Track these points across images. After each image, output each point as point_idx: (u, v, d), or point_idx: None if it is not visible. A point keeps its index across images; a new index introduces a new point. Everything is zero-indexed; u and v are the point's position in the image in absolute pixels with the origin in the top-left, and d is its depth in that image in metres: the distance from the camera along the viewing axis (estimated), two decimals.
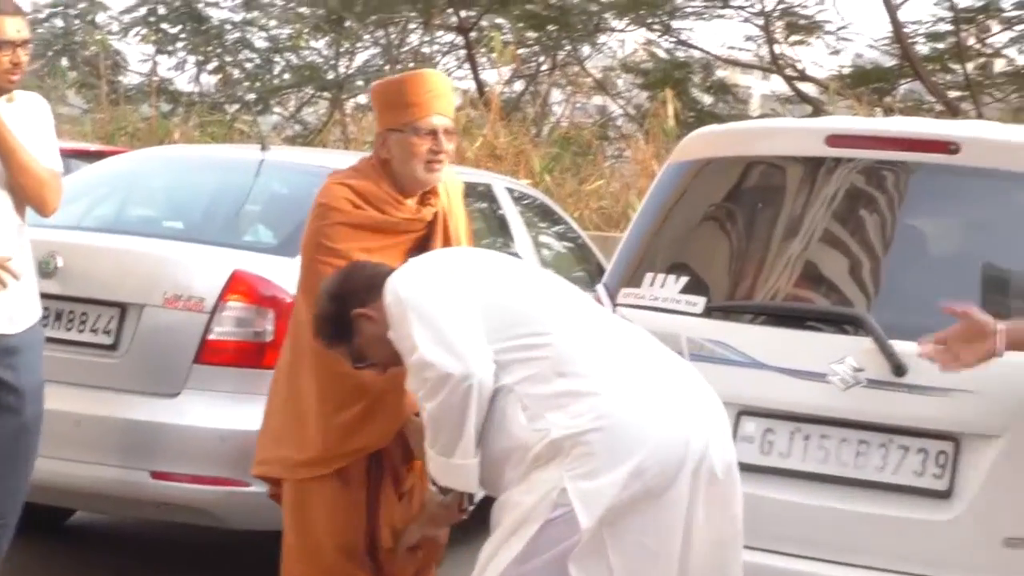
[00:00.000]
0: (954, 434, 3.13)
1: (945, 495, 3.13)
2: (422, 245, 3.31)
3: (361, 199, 3.24)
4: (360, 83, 14.50)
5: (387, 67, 13.96)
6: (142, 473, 3.88)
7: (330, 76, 14.99)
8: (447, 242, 3.37)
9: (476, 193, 5.20)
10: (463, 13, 12.96)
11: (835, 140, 3.54)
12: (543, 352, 2.59)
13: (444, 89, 3.47)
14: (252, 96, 15.45)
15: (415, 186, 3.28)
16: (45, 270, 3.83)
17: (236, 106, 15.15)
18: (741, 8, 9.91)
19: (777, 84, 11.36)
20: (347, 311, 2.81)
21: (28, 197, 3.44)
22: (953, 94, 10.74)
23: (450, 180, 3.46)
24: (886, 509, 3.17)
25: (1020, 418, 3.08)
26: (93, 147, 7.13)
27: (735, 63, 11.32)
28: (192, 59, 14.67)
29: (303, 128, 15.45)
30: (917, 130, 3.80)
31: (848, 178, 3.56)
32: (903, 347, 3.12)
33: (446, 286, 2.69)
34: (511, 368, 2.57)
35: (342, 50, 15.13)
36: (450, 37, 13.98)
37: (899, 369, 3.13)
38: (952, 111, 10.01)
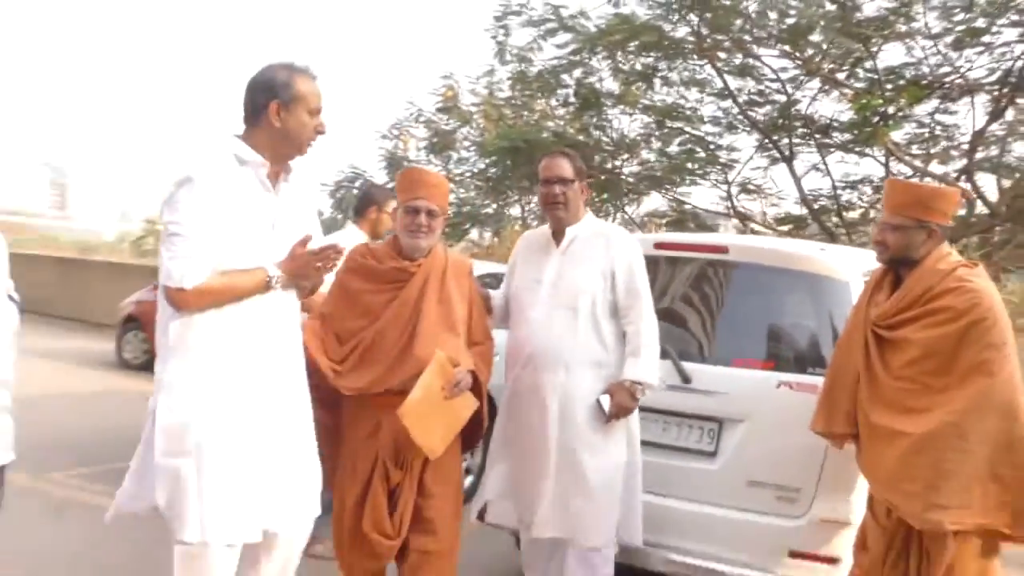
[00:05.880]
0: (718, 418, 4.16)
1: (713, 455, 4.16)
2: (415, 297, 3.67)
3: (371, 254, 3.78)
4: None
5: None
6: None
7: None
8: (441, 302, 3.70)
9: None
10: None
11: (659, 245, 4.60)
12: None
13: (431, 181, 3.75)
14: None
15: (407, 250, 3.72)
16: None
17: None
18: (716, 179, 13.33)
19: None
20: None
21: None
22: (838, 231, 13.09)
23: (454, 258, 3.81)
24: (681, 462, 4.21)
25: (755, 410, 4.09)
26: None
27: (713, 212, 14.74)
28: None
29: None
30: (705, 240, 4.71)
31: (667, 267, 4.55)
32: (689, 366, 4.22)
33: None
34: None
35: None
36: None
37: (686, 379, 4.22)
38: (834, 240, 12.28)
